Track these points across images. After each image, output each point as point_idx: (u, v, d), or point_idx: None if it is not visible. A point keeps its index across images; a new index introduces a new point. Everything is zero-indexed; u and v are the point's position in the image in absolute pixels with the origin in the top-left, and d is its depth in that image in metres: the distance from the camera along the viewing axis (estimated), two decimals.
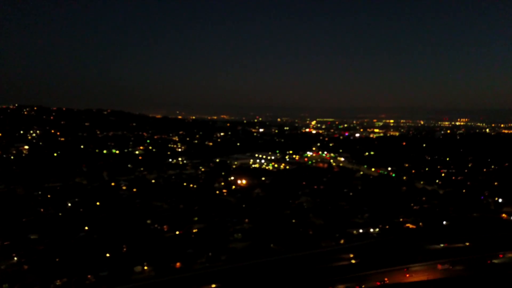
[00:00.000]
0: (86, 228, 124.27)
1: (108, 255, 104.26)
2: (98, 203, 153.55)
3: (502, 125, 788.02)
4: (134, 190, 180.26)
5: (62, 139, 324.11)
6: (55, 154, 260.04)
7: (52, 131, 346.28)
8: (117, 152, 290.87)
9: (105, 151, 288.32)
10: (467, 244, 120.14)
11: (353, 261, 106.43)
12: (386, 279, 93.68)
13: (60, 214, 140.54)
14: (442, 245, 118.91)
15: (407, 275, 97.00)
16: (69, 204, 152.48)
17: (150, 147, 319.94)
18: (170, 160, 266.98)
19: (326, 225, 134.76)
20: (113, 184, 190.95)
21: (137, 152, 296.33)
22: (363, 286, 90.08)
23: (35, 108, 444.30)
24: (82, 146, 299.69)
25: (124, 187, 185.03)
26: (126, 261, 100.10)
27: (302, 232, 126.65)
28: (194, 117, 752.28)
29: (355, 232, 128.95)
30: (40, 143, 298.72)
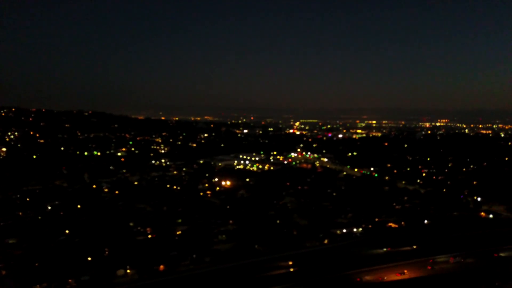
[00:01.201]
0: (67, 231, 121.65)
1: (89, 258, 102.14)
2: (79, 206, 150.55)
3: (480, 126, 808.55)
4: (116, 192, 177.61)
5: (42, 141, 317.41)
6: (34, 156, 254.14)
7: (31, 132, 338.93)
8: (99, 154, 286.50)
9: (86, 153, 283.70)
10: (414, 247, 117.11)
11: (291, 269, 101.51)
12: None
13: (39, 217, 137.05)
14: (385, 249, 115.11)
15: None
16: (49, 207, 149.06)
17: (133, 149, 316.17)
18: (153, 161, 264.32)
19: (310, 225, 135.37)
20: (94, 186, 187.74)
21: (119, 154, 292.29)
22: None
23: (13, 109, 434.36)
24: (62, 148, 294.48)
25: (106, 190, 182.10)
26: (108, 265, 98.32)
27: (287, 233, 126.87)
28: (177, 118, 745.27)
29: (338, 232, 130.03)
30: (19, 145, 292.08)
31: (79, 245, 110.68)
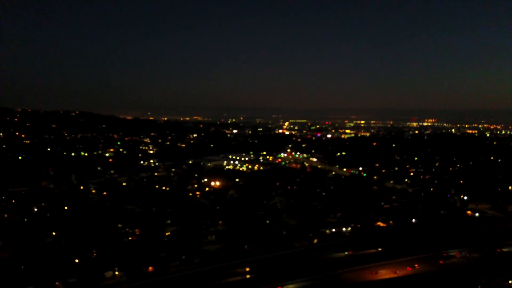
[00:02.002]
0: (54, 233, 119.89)
1: (77, 261, 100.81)
2: (66, 208, 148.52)
3: (466, 126, 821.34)
4: (104, 193, 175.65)
5: (28, 141, 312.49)
6: (20, 158, 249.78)
7: (17, 133, 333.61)
8: (86, 154, 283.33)
9: (73, 154, 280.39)
10: (379, 249, 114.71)
11: (247, 276, 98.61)
12: None
13: (25, 219, 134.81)
14: (346, 252, 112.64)
15: None
16: (35, 209, 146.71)
17: (121, 149, 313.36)
18: (142, 162, 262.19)
19: (299, 225, 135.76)
20: (82, 187, 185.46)
21: (107, 155, 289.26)
22: None
23: None
24: (48, 149, 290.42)
25: (93, 191, 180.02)
26: (96, 267, 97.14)
27: (276, 233, 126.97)
28: (166, 119, 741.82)
29: (328, 231, 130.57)
30: (4, 146, 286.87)
31: (66, 247, 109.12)
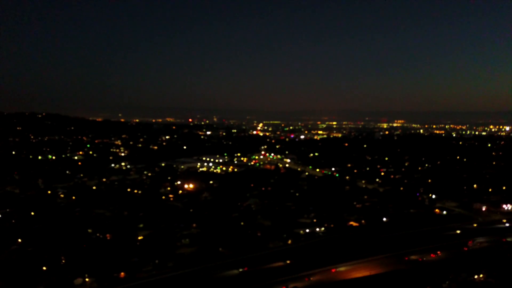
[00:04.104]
0: (20, 240, 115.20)
1: (44, 268, 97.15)
2: (32, 213, 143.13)
3: (434, 126, 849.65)
4: (73, 198, 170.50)
5: None
6: None
7: None
8: (54, 158, 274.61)
9: (40, 157, 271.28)
10: (288, 262, 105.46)
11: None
12: None
13: None
14: (240, 269, 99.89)
15: None
16: (0, 215, 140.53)
17: (91, 152, 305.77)
18: (113, 165, 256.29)
19: (274, 226, 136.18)
20: (49, 192, 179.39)
21: (76, 158, 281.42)
22: None
23: None
24: (13, 152, 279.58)
25: (62, 195, 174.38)
26: (65, 274, 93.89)
27: (251, 234, 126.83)
28: (137, 120, 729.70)
29: (302, 232, 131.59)
30: None
31: (33, 254, 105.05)
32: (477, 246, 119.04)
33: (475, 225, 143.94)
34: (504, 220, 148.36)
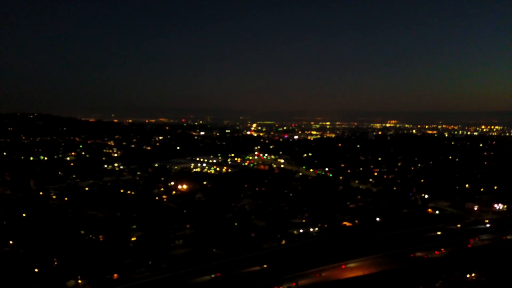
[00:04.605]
0: (11, 242, 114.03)
1: (37, 270, 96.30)
2: (24, 215, 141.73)
3: (426, 126, 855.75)
4: (66, 199, 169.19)
5: None
6: None
7: None
8: (46, 158, 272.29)
9: (31, 158, 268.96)
10: (265, 266, 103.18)
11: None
12: None
13: None
14: (213, 275, 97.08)
15: None
16: None
17: (83, 153, 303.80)
18: (106, 166, 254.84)
19: (268, 226, 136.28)
20: (41, 193, 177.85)
21: (68, 159, 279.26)
22: None
23: None
24: (4, 153, 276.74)
25: (54, 196, 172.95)
26: (57, 276, 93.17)
27: (244, 235, 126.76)
28: (130, 121, 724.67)
29: (296, 232, 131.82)
30: None
31: (25, 256, 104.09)
32: (479, 244, 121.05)
33: (458, 225, 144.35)
34: (486, 221, 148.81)
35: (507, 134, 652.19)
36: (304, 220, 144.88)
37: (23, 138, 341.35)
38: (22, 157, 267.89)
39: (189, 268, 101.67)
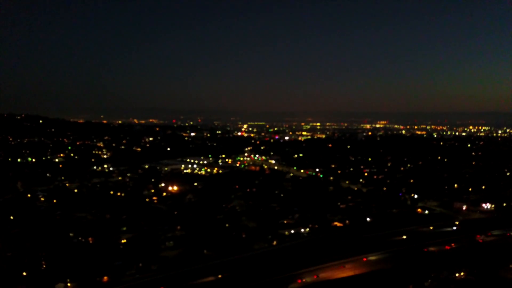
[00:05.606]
0: None
1: (25, 273, 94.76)
2: (11, 217, 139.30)
3: (415, 127, 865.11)
4: (54, 201, 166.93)
5: None
6: None
7: None
8: (34, 160, 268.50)
9: (19, 160, 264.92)
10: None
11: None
12: None
13: None
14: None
15: None
16: None
17: (72, 154, 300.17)
18: (95, 167, 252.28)
19: (258, 227, 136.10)
20: (29, 195, 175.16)
21: (56, 160, 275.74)
22: None
23: None
24: None
25: (42, 199, 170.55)
26: (46, 279, 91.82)
27: (235, 236, 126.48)
28: (120, 122, 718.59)
29: (286, 233, 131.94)
30: None
31: (12, 259, 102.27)
32: (488, 240, 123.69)
33: (431, 227, 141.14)
34: (457, 222, 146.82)
35: (494, 134, 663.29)
36: (294, 221, 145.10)
37: (10, 139, 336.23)
38: (9, 159, 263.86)
39: (180, 269, 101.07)
